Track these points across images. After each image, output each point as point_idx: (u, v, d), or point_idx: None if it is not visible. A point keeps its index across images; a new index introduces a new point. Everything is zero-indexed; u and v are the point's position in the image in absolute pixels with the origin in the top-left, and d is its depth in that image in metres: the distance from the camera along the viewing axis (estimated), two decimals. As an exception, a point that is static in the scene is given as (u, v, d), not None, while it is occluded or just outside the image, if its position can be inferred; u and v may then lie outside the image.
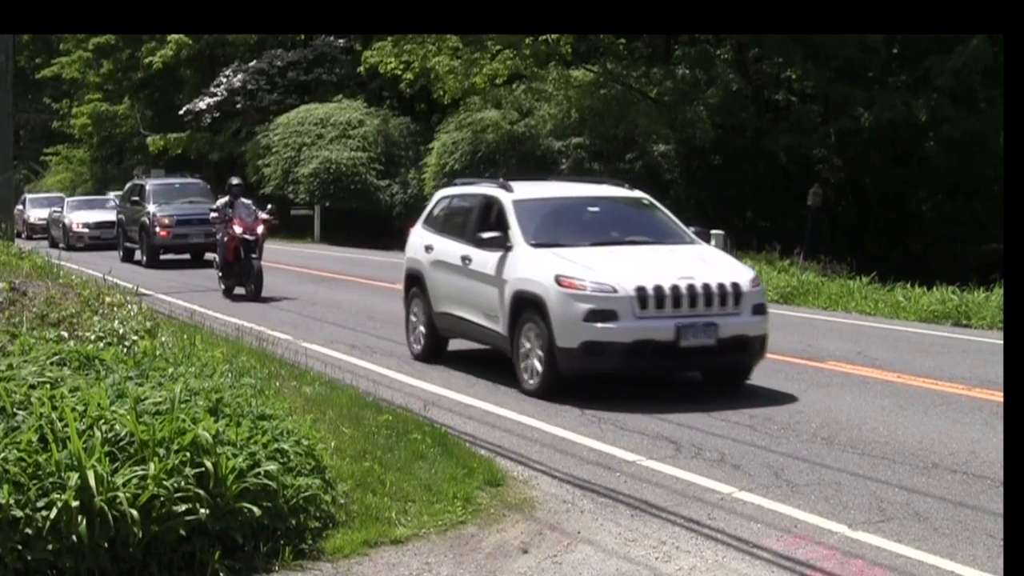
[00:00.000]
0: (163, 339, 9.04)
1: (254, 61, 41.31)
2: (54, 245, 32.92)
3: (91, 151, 55.33)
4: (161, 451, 5.60)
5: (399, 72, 29.17)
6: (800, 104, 25.71)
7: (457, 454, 7.51)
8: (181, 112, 42.64)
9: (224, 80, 41.44)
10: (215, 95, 41.35)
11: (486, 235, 10.82)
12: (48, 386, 6.31)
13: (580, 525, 6.51)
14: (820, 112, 24.91)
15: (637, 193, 11.98)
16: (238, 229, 18.03)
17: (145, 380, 6.72)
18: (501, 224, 10.89)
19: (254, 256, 18.02)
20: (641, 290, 9.58)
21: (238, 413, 6.36)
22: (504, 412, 9.51)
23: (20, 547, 5.12)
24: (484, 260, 10.83)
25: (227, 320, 14.76)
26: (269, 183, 36.43)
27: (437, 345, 11.98)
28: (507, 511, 6.68)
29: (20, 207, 43.07)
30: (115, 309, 9.76)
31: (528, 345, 10.14)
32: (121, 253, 28.33)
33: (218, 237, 18.86)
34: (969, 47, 20.39)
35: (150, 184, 28.21)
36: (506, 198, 11.10)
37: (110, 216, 33.09)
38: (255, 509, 5.63)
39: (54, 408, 5.80)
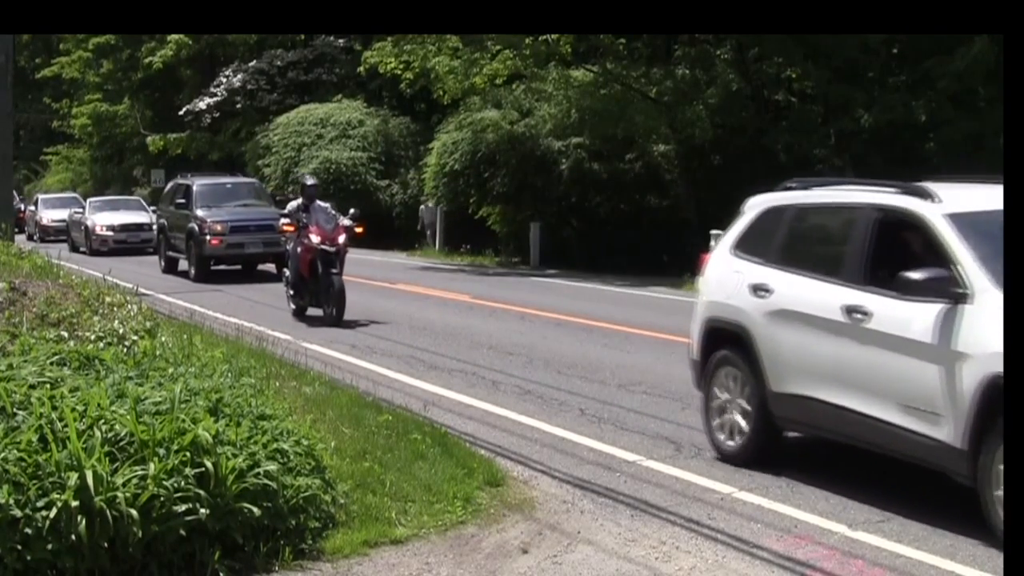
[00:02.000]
0: (163, 339, 9.04)
1: (254, 61, 41.31)
2: (75, 249, 31.56)
3: (91, 151, 55.34)
4: (161, 451, 5.60)
5: (399, 72, 29.15)
6: (800, 104, 25.68)
7: (457, 454, 7.51)
8: (181, 112, 42.63)
9: (224, 80, 41.44)
10: (215, 95, 41.35)
11: (917, 275, 6.58)
12: (48, 386, 6.31)
13: (580, 525, 6.51)
14: (820, 112, 24.89)
15: None
16: (315, 239, 15.11)
17: (145, 380, 6.72)
18: (933, 255, 6.78)
19: (334, 271, 15.04)
20: None
21: (238, 413, 6.36)
22: (504, 412, 9.52)
23: (20, 547, 5.12)
24: (902, 316, 6.74)
25: (227, 320, 14.77)
26: (269, 183, 36.44)
27: (768, 442, 7.91)
28: (507, 511, 6.68)
29: (32, 208, 41.53)
30: (115, 309, 9.75)
31: None
32: (163, 263, 25.02)
33: (290, 248, 16.11)
34: (973, 50, 20.36)
35: (197, 184, 24.32)
36: (931, 211, 6.91)
37: (137, 218, 31.42)
38: (255, 509, 5.63)
39: (54, 408, 5.80)
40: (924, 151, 23.81)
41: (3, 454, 5.37)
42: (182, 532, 5.41)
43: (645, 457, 8.04)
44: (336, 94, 38.26)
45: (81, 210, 34.10)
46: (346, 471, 6.81)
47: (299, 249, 15.56)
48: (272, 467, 5.86)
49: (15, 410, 5.86)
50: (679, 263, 22.78)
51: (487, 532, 6.35)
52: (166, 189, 26.71)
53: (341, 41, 39.52)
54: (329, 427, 7.75)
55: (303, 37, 40.24)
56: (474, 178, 28.39)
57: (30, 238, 37.65)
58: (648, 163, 26.48)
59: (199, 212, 22.94)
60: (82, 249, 31.18)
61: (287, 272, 16.30)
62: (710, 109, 24.87)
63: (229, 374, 7.67)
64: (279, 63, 40.43)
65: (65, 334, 8.43)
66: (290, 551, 5.75)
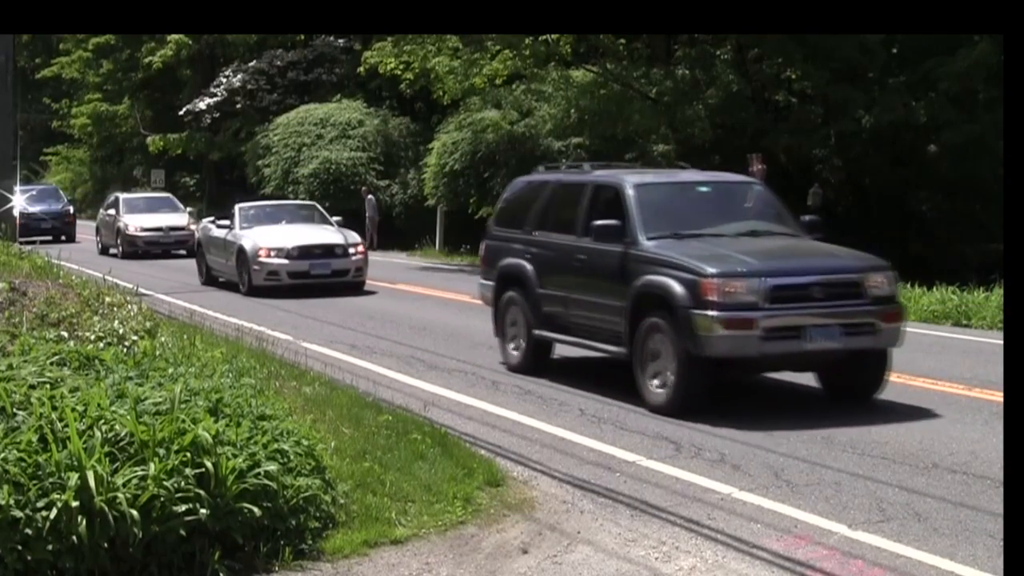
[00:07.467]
0: (163, 339, 9.04)
1: (254, 61, 41.32)
2: (211, 280, 21.32)
3: (91, 151, 55.40)
4: (161, 451, 5.60)
5: (399, 72, 29.16)
6: (800, 105, 25.69)
7: (457, 454, 7.51)
8: (181, 112, 42.65)
9: (224, 80, 41.45)
10: (215, 95, 41.35)
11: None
12: (48, 386, 6.31)
13: (580, 525, 6.51)
14: (820, 113, 24.88)
15: None
16: None
17: (145, 380, 6.72)
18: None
19: None
20: None
21: (238, 413, 6.36)
22: (504, 412, 9.52)
23: (20, 547, 5.12)
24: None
25: (227, 320, 14.76)
26: (269, 183, 36.45)
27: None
28: (507, 511, 6.68)
29: (111, 212, 29.96)
30: (115, 309, 9.75)
31: None
32: (516, 348, 11.71)
33: None
34: (975, 51, 20.35)
35: (632, 185, 10.51)
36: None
37: (322, 236, 19.97)
38: (255, 509, 5.63)
39: (54, 408, 5.80)
40: (924, 151, 23.82)
41: (3, 454, 5.37)
42: (182, 532, 5.41)
43: (645, 457, 8.04)
44: (336, 94, 38.26)
45: (230, 223, 20.98)
46: (346, 471, 6.81)
47: None
48: (272, 467, 5.86)
49: (15, 410, 5.86)
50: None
51: (487, 532, 6.35)
52: (512, 192, 12.99)
53: (341, 41, 39.53)
54: (329, 427, 7.75)
55: (303, 37, 40.25)
56: (474, 178, 28.39)
57: (104, 252, 29.09)
58: (648, 163, 26.45)
59: (662, 251, 9.86)
60: (222, 280, 20.93)
61: None
62: (710, 109, 24.87)
63: (229, 374, 7.68)
64: (279, 63, 40.43)
65: (65, 334, 8.43)
66: (290, 551, 5.74)
